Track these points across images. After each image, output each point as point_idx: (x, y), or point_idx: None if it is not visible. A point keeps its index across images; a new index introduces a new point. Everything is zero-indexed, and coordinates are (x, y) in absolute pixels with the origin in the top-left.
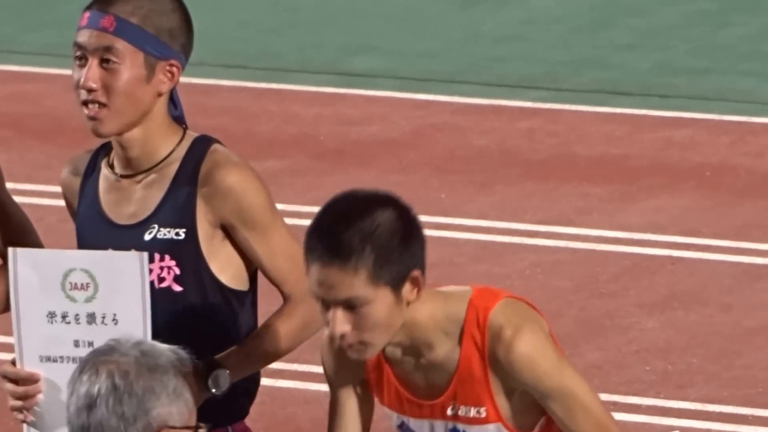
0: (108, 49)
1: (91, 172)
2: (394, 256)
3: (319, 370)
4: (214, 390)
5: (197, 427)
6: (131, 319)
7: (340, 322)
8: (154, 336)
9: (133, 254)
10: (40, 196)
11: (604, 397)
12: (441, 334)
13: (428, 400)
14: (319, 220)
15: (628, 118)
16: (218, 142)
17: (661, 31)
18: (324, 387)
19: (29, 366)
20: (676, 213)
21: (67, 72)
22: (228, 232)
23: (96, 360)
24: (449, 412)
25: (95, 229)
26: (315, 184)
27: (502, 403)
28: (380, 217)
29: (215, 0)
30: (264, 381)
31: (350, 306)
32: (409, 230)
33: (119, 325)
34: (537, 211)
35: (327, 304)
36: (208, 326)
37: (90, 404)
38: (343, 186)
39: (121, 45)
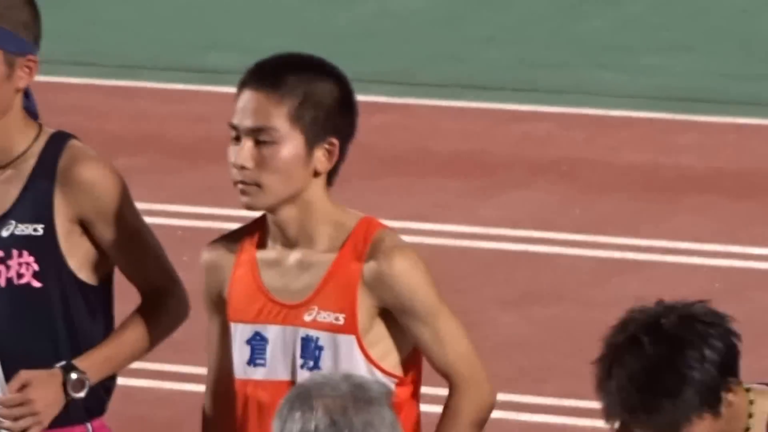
0: None
1: None
2: (322, 110)
3: (174, 369)
4: (73, 394)
5: None
6: None
7: (246, 154)
8: (12, 335)
9: None
10: None
11: None
12: (326, 232)
13: (291, 302)
14: (265, 59)
15: (484, 113)
16: (75, 138)
17: (517, 25)
18: (178, 386)
19: None
20: (533, 207)
21: None
22: (86, 227)
23: (307, 396)
24: (307, 317)
25: None
26: (166, 181)
27: (363, 319)
28: (324, 76)
29: None
30: (117, 380)
31: (260, 141)
32: (347, 102)
33: None
34: (393, 207)
35: (239, 137)
36: (66, 322)
37: None
38: (195, 184)
39: None
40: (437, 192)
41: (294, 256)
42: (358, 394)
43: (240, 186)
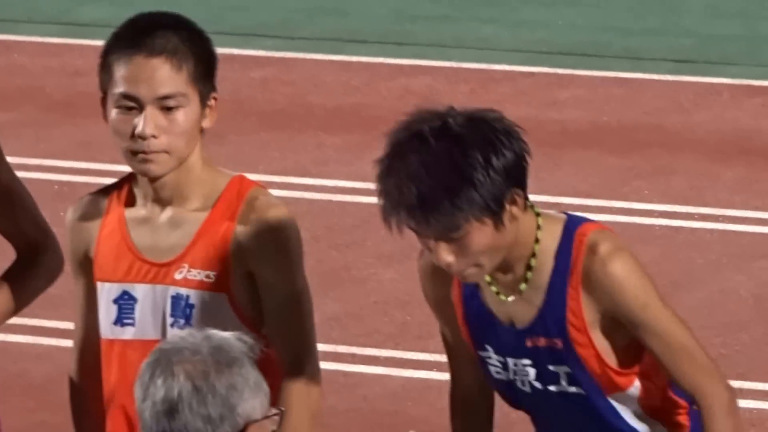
0: None
1: None
2: (208, 67)
3: (52, 324)
4: None
5: (278, 413)
6: None
7: (154, 123)
8: None
9: None
10: None
11: (342, 349)
12: (199, 191)
13: (161, 260)
14: (135, 24)
15: (365, 67)
16: None
17: None
18: (56, 342)
19: None
20: None
21: None
22: None
23: (167, 361)
24: (177, 275)
25: None
26: (43, 136)
27: (235, 279)
28: (197, 32)
29: None
30: None
31: (165, 107)
32: (215, 55)
33: None
34: (272, 161)
35: (133, 107)
36: None
37: (171, 409)
38: (72, 138)
39: None
40: (317, 147)
41: (165, 214)
42: (218, 357)
43: (142, 156)
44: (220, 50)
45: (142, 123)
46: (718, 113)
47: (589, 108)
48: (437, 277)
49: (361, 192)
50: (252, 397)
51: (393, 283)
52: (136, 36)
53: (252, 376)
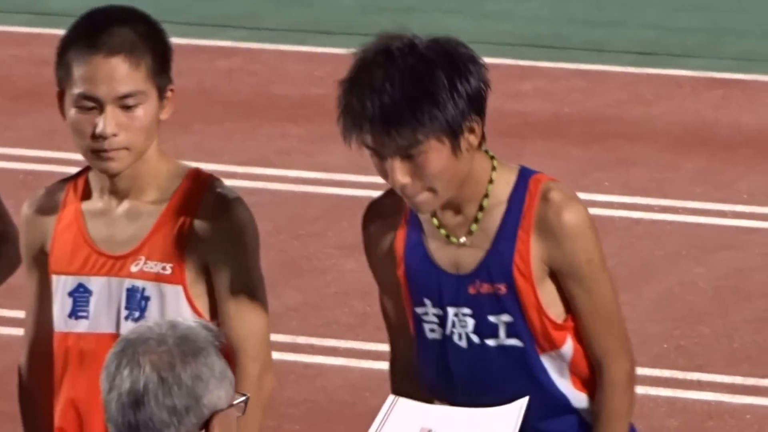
0: None
1: None
2: (164, 61)
3: (12, 314)
4: None
5: (243, 400)
6: None
7: (115, 122)
8: None
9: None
10: None
11: (302, 339)
12: (156, 183)
13: (117, 253)
14: (90, 21)
15: (330, 58)
16: None
17: None
18: (16, 331)
19: None
20: None
21: None
22: None
23: (133, 351)
24: (134, 267)
25: None
26: (9, 124)
27: (191, 271)
28: (152, 24)
29: None
30: None
31: (125, 105)
32: (170, 46)
33: None
34: (236, 151)
35: (94, 106)
36: None
37: (137, 401)
38: (37, 127)
39: None
40: (281, 137)
41: (122, 206)
42: (184, 347)
43: (103, 154)
44: (186, 41)
45: (102, 123)
46: (679, 105)
47: (551, 99)
48: (383, 225)
49: (324, 183)
50: (217, 387)
51: (354, 274)
52: (92, 34)
53: (217, 365)
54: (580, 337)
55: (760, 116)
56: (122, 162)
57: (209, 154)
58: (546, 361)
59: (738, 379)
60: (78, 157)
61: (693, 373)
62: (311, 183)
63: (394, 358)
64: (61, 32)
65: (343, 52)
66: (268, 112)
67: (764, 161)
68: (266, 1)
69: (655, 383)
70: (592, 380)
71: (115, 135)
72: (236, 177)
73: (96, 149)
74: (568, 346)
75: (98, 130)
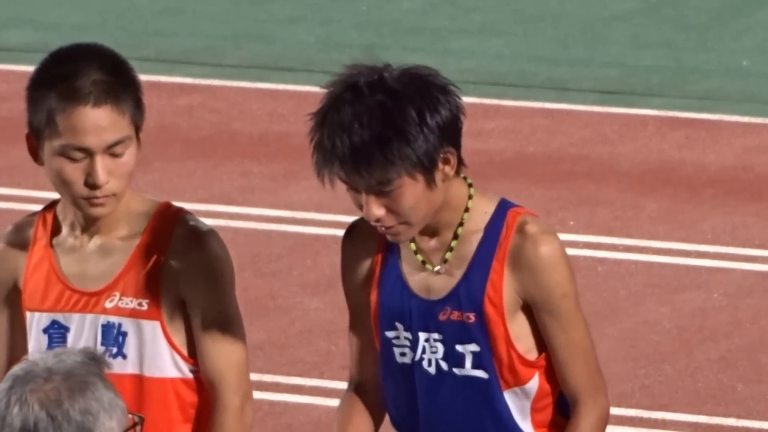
0: None
1: None
2: (139, 102)
3: None
4: None
5: (134, 424)
6: None
7: (106, 170)
8: None
9: None
10: None
11: (267, 378)
12: (127, 219)
13: (90, 289)
14: (63, 67)
15: (291, 95)
16: None
17: (324, 5)
18: None
19: None
20: (341, 191)
21: None
22: None
23: (21, 389)
24: (108, 304)
25: None
26: None
27: (167, 306)
28: (124, 66)
29: None
30: None
31: (113, 153)
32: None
33: None
34: (197, 189)
35: (84, 157)
36: None
37: None
38: None
39: None
40: (243, 175)
41: (94, 242)
42: (70, 383)
43: (95, 200)
44: (145, 77)
45: (97, 173)
46: (643, 144)
47: (514, 138)
48: (362, 247)
49: (287, 221)
50: (108, 419)
51: (318, 312)
52: (71, 81)
53: (106, 396)
54: (552, 377)
55: (724, 156)
56: (111, 206)
57: (170, 192)
58: (509, 398)
59: (702, 419)
60: (38, 193)
61: (658, 412)
62: (274, 221)
63: (354, 380)
64: (16, 68)
65: (305, 90)
66: (229, 149)
67: (728, 201)
68: (227, 38)
69: (620, 422)
70: (552, 423)
71: (107, 183)
72: (198, 215)
73: (88, 197)
74: (534, 383)
75: (97, 181)
